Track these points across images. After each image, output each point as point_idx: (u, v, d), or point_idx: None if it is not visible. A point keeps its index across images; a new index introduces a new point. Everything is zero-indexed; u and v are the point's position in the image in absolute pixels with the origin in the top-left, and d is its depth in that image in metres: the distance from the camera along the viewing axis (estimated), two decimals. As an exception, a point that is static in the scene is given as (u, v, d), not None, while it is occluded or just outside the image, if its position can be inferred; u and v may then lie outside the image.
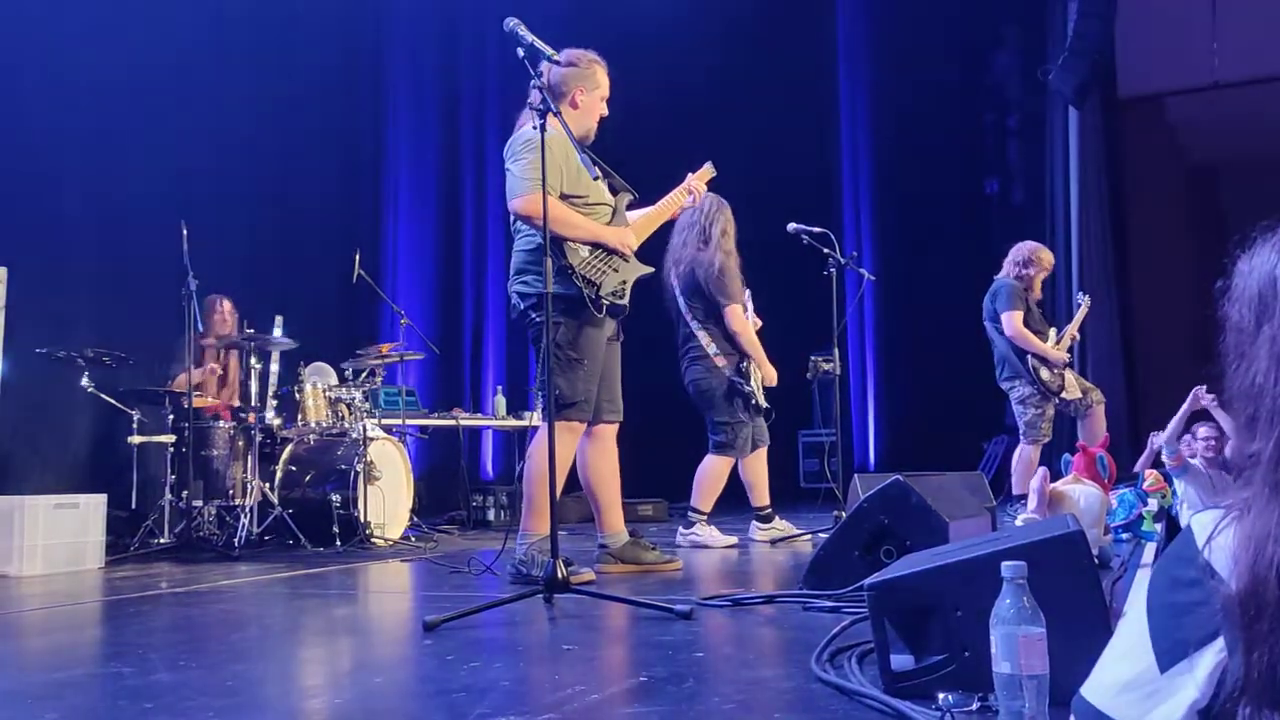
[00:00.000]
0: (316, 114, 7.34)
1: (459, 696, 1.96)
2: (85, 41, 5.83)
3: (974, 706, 1.61)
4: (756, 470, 5.34)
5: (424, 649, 2.47)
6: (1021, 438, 6.19)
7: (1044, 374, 5.99)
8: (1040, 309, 6.32)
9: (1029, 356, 6.01)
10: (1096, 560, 2.64)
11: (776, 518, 5.36)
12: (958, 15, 9.95)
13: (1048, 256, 6.26)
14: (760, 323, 6.14)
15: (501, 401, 7.31)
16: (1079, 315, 6.60)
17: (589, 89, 3.89)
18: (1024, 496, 5.86)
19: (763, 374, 5.21)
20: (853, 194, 10.73)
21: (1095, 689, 0.94)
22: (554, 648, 2.59)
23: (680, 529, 5.18)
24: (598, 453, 3.97)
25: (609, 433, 3.99)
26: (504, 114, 9.01)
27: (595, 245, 3.77)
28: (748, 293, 6.77)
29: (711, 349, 5.17)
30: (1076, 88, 9.44)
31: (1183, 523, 5.19)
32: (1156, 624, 0.89)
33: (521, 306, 3.82)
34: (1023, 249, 6.22)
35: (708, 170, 4.21)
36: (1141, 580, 3.14)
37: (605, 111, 3.96)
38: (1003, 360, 6.17)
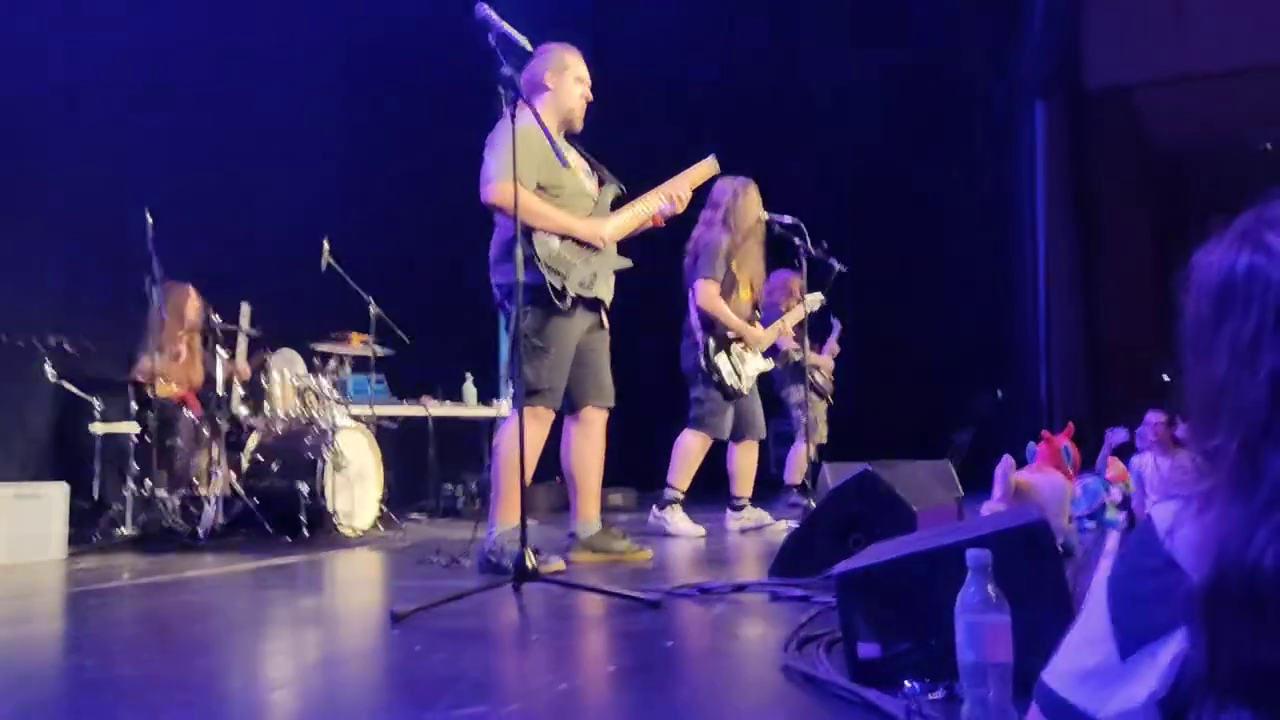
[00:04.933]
0: (282, 98, 7.26)
1: (427, 687, 1.96)
2: (48, 28, 5.73)
3: (939, 694, 1.62)
4: (741, 462, 5.41)
5: (392, 640, 2.46)
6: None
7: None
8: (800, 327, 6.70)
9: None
10: (1060, 549, 2.67)
11: (749, 507, 5.39)
12: (924, 5, 9.99)
13: (797, 285, 6.27)
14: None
15: (471, 390, 7.28)
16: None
17: (557, 70, 3.87)
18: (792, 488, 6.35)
19: (749, 341, 5.24)
20: (823, 184, 10.75)
21: (1057, 676, 0.95)
22: (522, 638, 2.59)
23: (654, 508, 5.20)
24: (584, 438, 3.97)
25: (598, 418, 3.99)
26: (476, 100, 8.95)
27: (566, 237, 3.76)
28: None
29: (694, 325, 5.27)
30: (1043, 79, 9.52)
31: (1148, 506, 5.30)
32: (1118, 613, 0.90)
33: (498, 297, 3.84)
34: (775, 279, 6.26)
35: (707, 167, 4.14)
36: (1104, 569, 3.18)
37: (588, 95, 3.94)
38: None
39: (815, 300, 5.94)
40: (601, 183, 3.98)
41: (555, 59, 3.88)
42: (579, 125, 3.94)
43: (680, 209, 4.06)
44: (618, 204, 4.00)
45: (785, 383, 6.64)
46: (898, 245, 10.17)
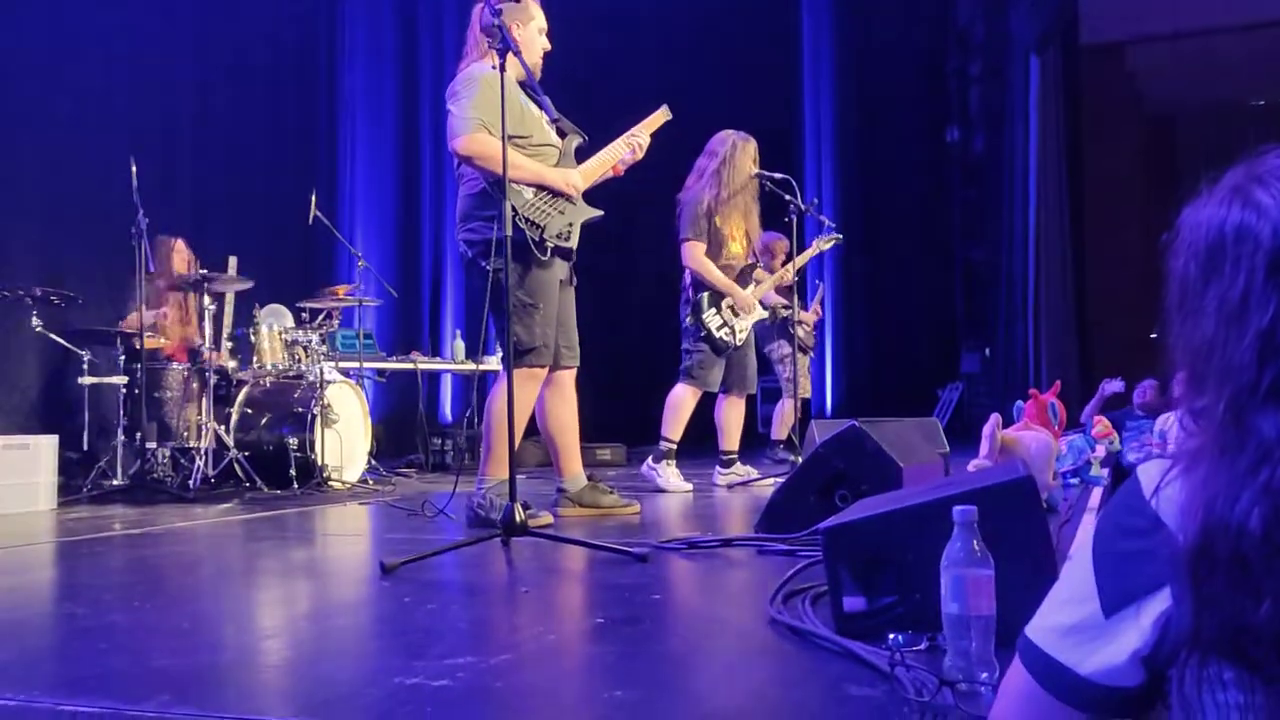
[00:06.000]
0: (270, 49, 7.17)
1: (416, 638, 1.97)
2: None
3: (923, 646, 1.64)
4: (730, 416, 5.43)
5: (381, 591, 2.48)
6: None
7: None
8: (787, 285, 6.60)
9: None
10: (1045, 505, 2.70)
11: (738, 463, 5.42)
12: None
13: (781, 248, 6.43)
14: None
15: (460, 345, 7.28)
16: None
17: (524, 22, 3.80)
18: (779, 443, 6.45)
19: (736, 302, 5.25)
20: (814, 141, 10.71)
21: (1040, 631, 0.96)
22: (511, 590, 2.61)
23: (649, 459, 5.24)
24: (557, 398, 3.96)
25: (568, 378, 3.98)
26: (463, 49, 8.85)
27: (540, 187, 3.73)
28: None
29: (684, 281, 5.31)
30: (1039, 35, 9.45)
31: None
32: (1102, 570, 0.91)
33: (470, 255, 3.75)
34: (762, 241, 6.27)
35: (661, 115, 4.12)
36: (1087, 525, 3.21)
37: (547, 45, 3.89)
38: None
39: (830, 241, 6.00)
40: (563, 134, 3.93)
41: (521, 8, 3.79)
42: (538, 75, 3.88)
43: (639, 157, 4.04)
44: (580, 154, 3.97)
45: (770, 338, 6.65)
46: (887, 203, 10.14)
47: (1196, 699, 0.84)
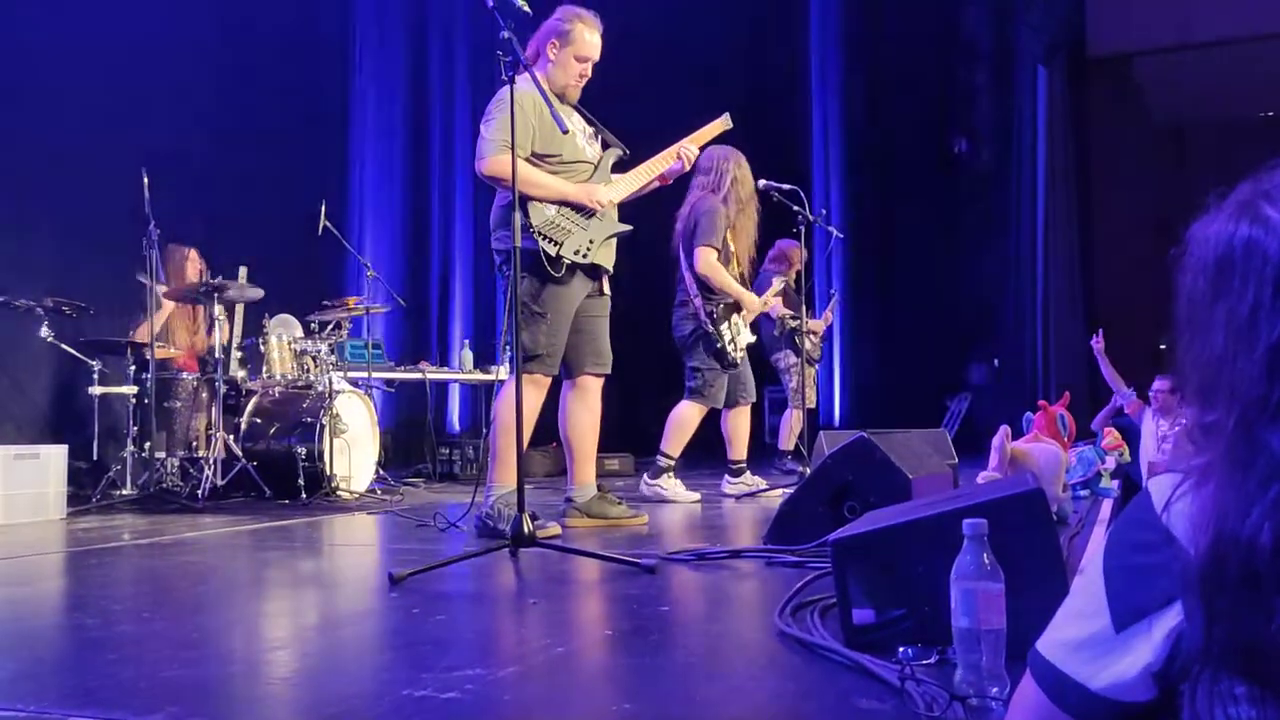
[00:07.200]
0: (281, 60, 7.20)
1: (425, 649, 1.98)
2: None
3: (933, 660, 1.64)
4: (737, 425, 5.42)
5: (390, 602, 2.48)
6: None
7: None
8: (797, 294, 6.40)
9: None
10: (1055, 517, 2.69)
11: (747, 473, 5.41)
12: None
13: (797, 255, 6.34)
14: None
15: (468, 355, 7.29)
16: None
17: (562, 45, 3.82)
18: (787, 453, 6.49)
19: (744, 305, 5.25)
20: (822, 151, 10.71)
21: (1051, 645, 0.96)
22: (519, 601, 2.61)
23: (645, 477, 5.21)
24: (580, 404, 3.98)
25: (594, 385, 3.99)
26: (473, 62, 8.89)
27: (562, 203, 3.75)
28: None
29: (691, 292, 5.23)
30: (1046, 46, 9.46)
31: (1143, 463, 5.35)
32: (1114, 585, 0.91)
33: (498, 262, 3.86)
34: (779, 246, 6.40)
35: (719, 124, 4.14)
36: (1098, 538, 3.20)
37: (587, 74, 3.87)
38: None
39: (832, 309, 6.16)
40: (605, 146, 3.97)
41: (565, 31, 3.82)
42: (573, 99, 3.90)
43: (687, 168, 4.09)
44: (621, 167, 3.99)
45: (776, 348, 6.64)
46: (895, 214, 10.14)
47: (1208, 714, 0.84)
